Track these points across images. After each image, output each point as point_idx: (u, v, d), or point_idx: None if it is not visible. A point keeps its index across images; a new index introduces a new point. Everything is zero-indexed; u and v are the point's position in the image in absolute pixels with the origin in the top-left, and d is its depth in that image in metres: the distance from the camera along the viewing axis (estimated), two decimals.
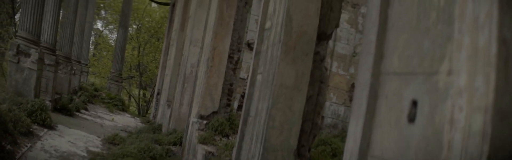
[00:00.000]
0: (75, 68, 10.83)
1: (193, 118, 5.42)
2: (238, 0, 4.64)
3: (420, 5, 1.26)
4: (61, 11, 7.72)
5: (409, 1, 1.31)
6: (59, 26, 8.22)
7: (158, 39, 17.18)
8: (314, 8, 2.49)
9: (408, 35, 1.29)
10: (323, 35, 2.63)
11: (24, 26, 6.12)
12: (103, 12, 21.26)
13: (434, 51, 1.18)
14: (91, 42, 21.48)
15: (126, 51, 16.80)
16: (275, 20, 2.62)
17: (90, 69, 17.06)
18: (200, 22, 6.24)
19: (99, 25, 22.37)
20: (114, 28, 20.36)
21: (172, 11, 11.84)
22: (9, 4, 7.95)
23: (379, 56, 1.39)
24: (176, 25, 9.48)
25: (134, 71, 17.65)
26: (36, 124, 6.05)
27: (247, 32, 7.04)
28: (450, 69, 1.11)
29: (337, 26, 2.69)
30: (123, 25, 15.44)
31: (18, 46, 6.11)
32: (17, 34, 6.30)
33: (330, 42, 7.79)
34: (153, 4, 18.32)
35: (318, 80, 2.51)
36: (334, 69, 8.73)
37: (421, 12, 1.25)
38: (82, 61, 13.22)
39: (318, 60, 2.58)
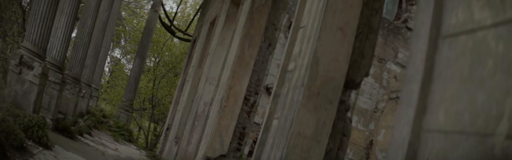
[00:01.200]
0: (84, 91, 10.80)
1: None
2: (261, 40, 4.56)
3: (474, 51, 1.10)
4: (74, 30, 7.81)
5: (461, 46, 1.15)
6: (70, 45, 8.26)
7: (176, 75, 17.27)
8: (344, 52, 2.35)
9: (458, 86, 1.13)
10: (351, 83, 2.48)
11: (30, 37, 6.14)
12: (122, 41, 21.67)
13: (490, 107, 1.00)
14: (107, 69, 21.78)
15: (141, 82, 16.90)
16: (300, 62, 2.48)
17: (101, 95, 17.10)
18: (218, 59, 6.18)
19: (117, 53, 22.76)
20: (132, 58, 20.65)
21: (192, 47, 11.94)
22: (20, 14, 8.06)
23: (422, 109, 1.22)
24: (194, 61, 9.49)
25: (147, 103, 17.63)
26: (31, 140, 5.86)
27: (267, 75, 6.94)
28: (510, 131, 0.93)
29: (367, 75, 2.54)
30: (140, 55, 15.63)
31: (22, 56, 6.10)
32: (21, 44, 6.29)
33: (352, 95, 7.65)
34: (175, 39, 18.61)
35: (340, 132, 2.31)
36: (353, 123, 8.49)
37: (475, 60, 1.09)
38: (93, 85, 13.23)
39: (343, 110, 2.40)
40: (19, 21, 7.97)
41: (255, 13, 4.47)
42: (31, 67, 6.22)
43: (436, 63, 1.23)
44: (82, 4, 13.58)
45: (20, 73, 6.23)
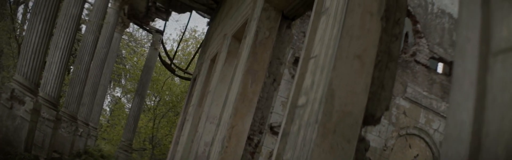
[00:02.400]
0: (81, 129, 10.51)
1: None
2: (265, 75, 4.37)
3: None
4: (71, 67, 7.68)
5: None
6: (66, 81, 8.10)
7: (176, 114, 17.01)
8: (362, 83, 2.14)
9: None
10: (371, 118, 2.24)
11: (21, 70, 5.98)
12: (123, 80, 21.59)
13: None
14: (108, 108, 21.49)
15: (141, 122, 16.63)
16: (313, 95, 2.26)
17: (101, 134, 16.76)
18: (220, 97, 5.96)
19: (117, 92, 22.61)
20: (132, 97, 20.48)
21: (192, 86, 11.78)
22: (16, 48, 7.99)
23: (476, 144, 0.99)
24: (194, 100, 9.28)
25: (147, 143, 17.24)
26: None
27: (271, 113, 6.70)
28: None
29: (387, 108, 2.31)
30: (139, 94, 15.46)
31: (13, 90, 5.90)
32: (13, 77, 6.11)
33: None
34: (175, 78, 18.51)
35: None
36: None
37: None
38: (91, 124, 12.94)
39: (362, 150, 2.15)
40: (14, 55, 7.90)
41: (259, 46, 4.31)
42: (22, 102, 6.02)
43: (488, 85, 1.01)
44: (79, 39, 13.58)
45: (11, 108, 6.02)
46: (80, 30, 14.88)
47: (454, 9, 8.53)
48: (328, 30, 2.24)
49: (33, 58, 5.89)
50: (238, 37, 5.80)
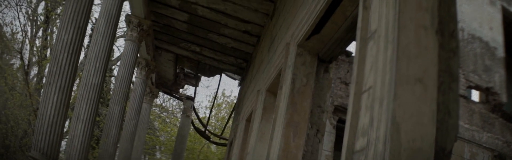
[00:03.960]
0: None
1: None
2: (307, 127, 3.99)
3: None
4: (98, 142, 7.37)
5: None
6: (94, 155, 7.73)
7: None
8: (428, 111, 1.77)
9: None
10: (441, 154, 1.84)
11: (37, 145, 5.57)
12: (157, 153, 21.20)
13: None
14: None
15: None
16: (374, 135, 1.88)
17: None
18: (260, 157, 5.54)
19: None
20: None
21: (229, 150, 11.33)
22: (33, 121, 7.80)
23: None
24: None
25: None
26: None
27: None
28: None
29: (456, 139, 1.91)
30: None
31: None
32: (29, 154, 5.72)
33: None
34: (211, 145, 18.09)
35: None
36: None
37: None
38: None
39: None
40: (28, 131, 7.72)
41: (297, 95, 3.98)
42: None
43: None
44: (103, 111, 13.44)
45: None
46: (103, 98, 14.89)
47: (483, 32, 8.15)
48: (380, 54, 1.92)
49: (49, 132, 5.56)
50: (273, 90, 5.53)
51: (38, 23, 13.26)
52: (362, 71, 2.15)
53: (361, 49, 2.17)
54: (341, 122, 9.23)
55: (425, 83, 1.78)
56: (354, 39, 3.32)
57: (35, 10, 13.29)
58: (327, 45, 3.60)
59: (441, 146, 1.83)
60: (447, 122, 1.84)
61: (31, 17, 13.02)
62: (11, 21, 13.42)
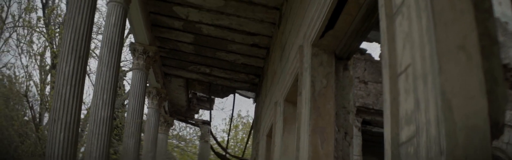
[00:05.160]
0: None
1: None
2: (335, 131, 3.74)
3: None
4: None
5: None
6: None
7: None
8: (475, 82, 1.58)
9: None
10: (494, 129, 1.63)
11: None
12: None
13: None
14: None
15: None
16: (423, 119, 1.64)
17: None
18: None
19: None
20: None
21: None
22: None
23: None
24: None
25: None
26: None
27: None
28: None
29: (506, 110, 1.68)
30: None
31: None
32: None
33: None
34: None
35: None
36: None
37: None
38: None
39: None
40: None
41: (319, 99, 3.74)
42: None
43: None
44: (118, 145, 13.03)
45: None
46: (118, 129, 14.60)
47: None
48: (414, 26, 1.70)
49: None
50: (291, 100, 5.29)
51: (45, 66, 13.11)
52: (394, 51, 1.92)
53: (389, 27, 1.95)
54: (366, 124, 8.93)
55: (468, 50, 1.56)
56: (371, 29, 3.11)
57: (42, 55, 13.16)
58: (343, 40, 3.39)
59: (495, 120, 1.59)
60: (495, 91, 1.60)
61: (39, 63, 12.85)
62: (13, 63, 13.30)
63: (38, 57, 12.59)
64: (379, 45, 11.61)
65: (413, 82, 1.73)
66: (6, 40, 13.16)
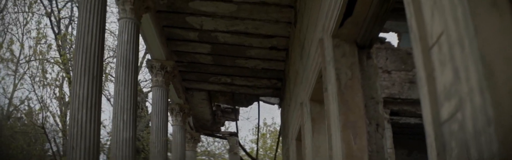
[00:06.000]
0: None
1: None
2: (366, 124, 3.59)
3: None
4: None
5: None
6: None
7: None
8: (510, 41, 1.43)
9: None
10: None
11: None
12: None
13: None
14: None
15: None
16: (465, 90, 1.51)
17: None
18: None
19: None
20: None
21: None
22: None
23: None
24: None
25: None
26: None
27: None
28: None
29: None
30: None
31: None
32: None
33: None
34: None
35: None
36: None
37: None
38: None
39: None
40: None
41: (346, 91, 3.60)
42: None
43: None
44: None
45: None
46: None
47: None
48: None
49: None
50: (317, 98, 5.16)
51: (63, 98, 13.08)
52: (422, 23, 1.79)
53: None
54: (394, 115, 8.68)
55: (500, 6, 1.43)
56: (390, 12, 2.99)
57: (60, 86, 13.14)
58: (363, 27, 3.26)
59: None
60: None
61: (57, 94, 12.81)
62: (29, 96, 13.19)
63: (53, 87, 12.51)
64: (396, 34, 11.35)
65: (448, 50, 1.59)
66: (22, 75, 13.10)
